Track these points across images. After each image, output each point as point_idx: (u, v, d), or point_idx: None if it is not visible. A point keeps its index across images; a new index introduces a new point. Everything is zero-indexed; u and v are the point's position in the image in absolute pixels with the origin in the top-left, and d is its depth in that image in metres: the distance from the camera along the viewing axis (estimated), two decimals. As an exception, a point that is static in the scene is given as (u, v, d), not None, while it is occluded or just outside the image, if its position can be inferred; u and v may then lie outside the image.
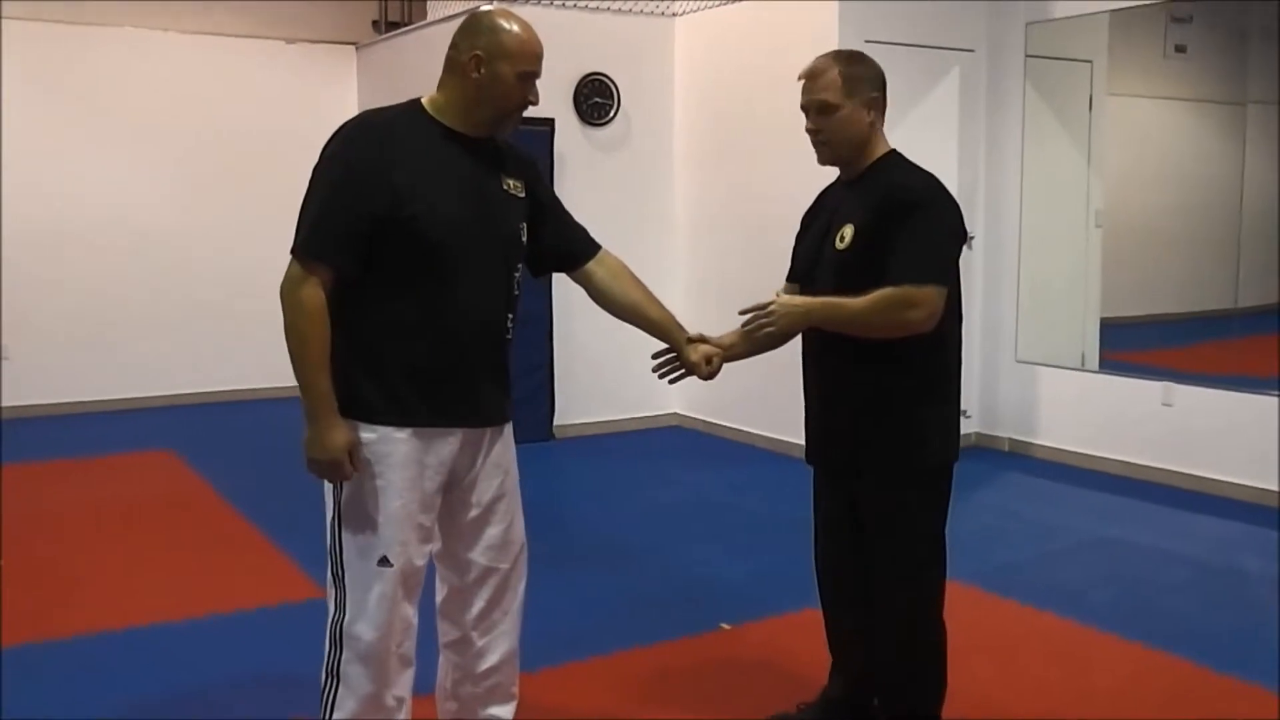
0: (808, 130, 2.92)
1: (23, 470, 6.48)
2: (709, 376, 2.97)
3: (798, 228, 3.15)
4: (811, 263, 2.99)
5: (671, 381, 3.05)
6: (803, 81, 2.91)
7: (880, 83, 2.91)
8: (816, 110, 2.88)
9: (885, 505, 2.92)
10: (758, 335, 2.90)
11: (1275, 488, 5.64)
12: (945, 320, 2.83)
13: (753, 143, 7.03)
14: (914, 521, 2.91)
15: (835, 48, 6.12)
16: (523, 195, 2.75)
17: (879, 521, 2.93)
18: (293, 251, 2.51)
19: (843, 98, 2.84)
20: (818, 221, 3.03)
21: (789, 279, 3.11)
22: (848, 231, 2.83)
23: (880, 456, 2.89)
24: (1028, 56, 6.75)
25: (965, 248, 7.30)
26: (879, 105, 2.91)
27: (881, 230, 2.77)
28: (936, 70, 6.75)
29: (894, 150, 2.95)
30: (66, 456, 7.01)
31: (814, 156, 2.97)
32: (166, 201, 8.56)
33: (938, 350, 2.88)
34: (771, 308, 2.85)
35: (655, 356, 3.03)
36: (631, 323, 2.94)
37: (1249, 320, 6.82)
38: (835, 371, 2.94)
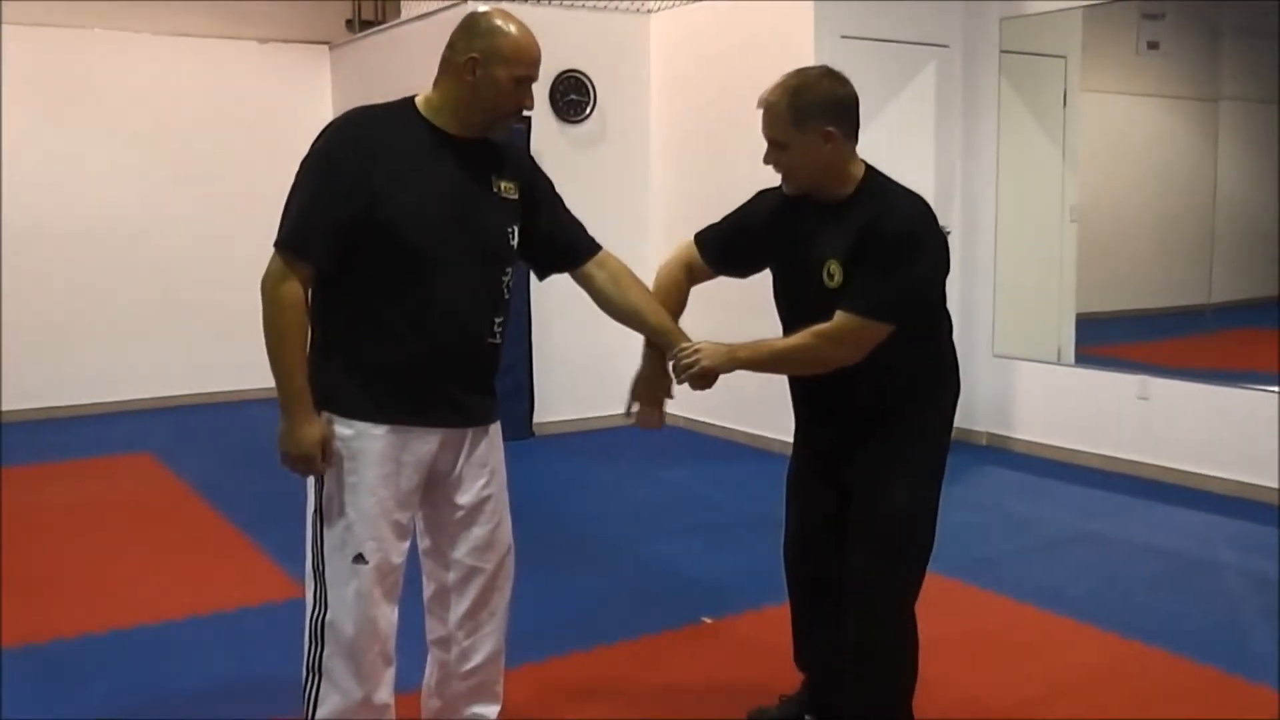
0: (765, 161, 2.79)
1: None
2: (699, 388, 2.86)
3: (750, 205, 3.00)
4: (799, 301, 2.85)
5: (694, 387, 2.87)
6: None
7: (839, 107, 2.70)
8: (769, 145, 2.75)
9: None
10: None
11: (1250, 480, 5.69)
12: (928, 341, 2.85)
13: (728, 140, 7.03)
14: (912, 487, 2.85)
15: (810, 44, 6.25)
16: (516, 197, 2.70)
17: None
18: (275, 246, 2.50)
19: (791, 133, 2.68)
20: (787, 239, 2.86)
21: (784, 312, 2.95)
22: (835, 269, 2.72)
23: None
24: (1002, 52, 6.77)
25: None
26: (842, 130, 2.69)
27: (865, 262, 2.68)
28: (912, 66, 6.77)
29: (869, 169, 2.79)
30: (44, 461, 6.95)
31: None
32: (140, 203, 8.50)
33: (932, 359, 2.90)
34: (697, 347, 2.78)
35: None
36: (632, 327, 2.89)
37: (1222, 315, 6.89)
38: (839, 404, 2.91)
